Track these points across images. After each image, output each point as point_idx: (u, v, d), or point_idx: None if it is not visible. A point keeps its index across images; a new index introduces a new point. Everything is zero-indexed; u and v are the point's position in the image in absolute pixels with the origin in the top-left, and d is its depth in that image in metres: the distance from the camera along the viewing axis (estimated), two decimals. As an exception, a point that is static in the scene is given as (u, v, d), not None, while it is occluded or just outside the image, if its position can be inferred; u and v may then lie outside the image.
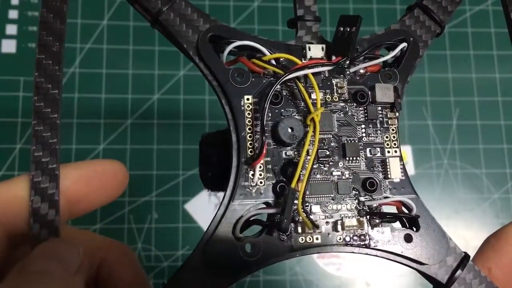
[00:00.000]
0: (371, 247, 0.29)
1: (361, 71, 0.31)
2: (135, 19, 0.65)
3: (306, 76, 0.29)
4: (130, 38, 0.65)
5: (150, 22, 0.29)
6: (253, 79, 0.29)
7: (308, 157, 0.28)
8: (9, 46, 0.64)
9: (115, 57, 0.64)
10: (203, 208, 0.61)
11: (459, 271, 0.28)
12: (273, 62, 0.29)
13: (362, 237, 0.29)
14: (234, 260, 0.27)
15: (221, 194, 0.29)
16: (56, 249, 0.24)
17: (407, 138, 0.65)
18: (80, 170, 0.27)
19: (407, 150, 0.65)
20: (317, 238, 0.28)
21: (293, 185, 0.27)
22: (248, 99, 0.29)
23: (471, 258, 0.29)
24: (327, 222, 0.29)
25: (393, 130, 0.30)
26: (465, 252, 0.29)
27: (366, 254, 0.28)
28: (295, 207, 0.27)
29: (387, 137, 0.30)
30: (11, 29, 0.64)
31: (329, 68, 0.29)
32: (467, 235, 0.63)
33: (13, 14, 0.65)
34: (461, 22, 0.69)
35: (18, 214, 0.24)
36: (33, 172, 0.25)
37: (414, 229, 0.29)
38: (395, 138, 0.30)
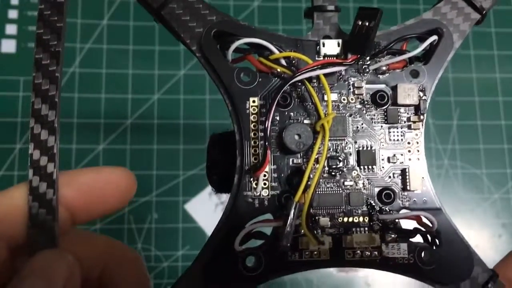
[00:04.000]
0: (384, 265, 0.26)
1: (383, 68, 0.27)
2: (135, 19, 0.65)
3: (318, 76, 0.26)
4: (130, 38, 0.64)
5: (153, 16, 0.27)
6: (260, 80, 0.26)
7: (317, 165, 0.25)
8: (9, 46, 0.63)
9: (115, 57, 0.64)
10: (203, 208, 0.61)
11: None
12: (283, 61, 0.27)
13: (375, 253, 0.26)
14: (234, 274, 0.25)
15: (223, 195, 0.29)
16: (44, 263, 0.23)
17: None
18: (81, 178, 0.25)
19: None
20: (324, 254, 0.26)
21: (296, 198, 0.24)
22: (254, 101, 0.26)
23: (493, 267, 0.26)
24: (335, 236, 0.26)
25: (416, 135, 0.27)
26: (492, 270, 0.26)
27: (380, 270, 0.26)
28: (299, 221, 0.24)
29: (409, 143, 0.27)
30: (11, 29, 0.64)
31: (343, 68, 0.26)
32: (468, 235, 0.63)
33: (12, 14, 0.64)
34: (461, 22, 0.69)
35: (17, 223, 0.24)
36: (31, 177, 0.23)
37: (436, 245, 0.26)
38: (419, 145, 0.27)
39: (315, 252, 0.26)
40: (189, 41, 0.26)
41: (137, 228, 0.60)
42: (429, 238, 0.27)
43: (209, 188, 0.60)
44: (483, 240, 0.62)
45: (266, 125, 0.25)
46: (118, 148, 0.61)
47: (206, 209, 0.61)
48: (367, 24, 0.25)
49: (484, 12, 0.28)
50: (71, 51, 0.63)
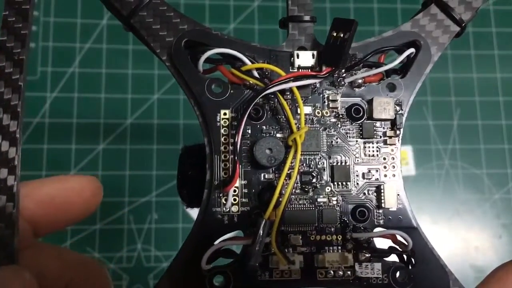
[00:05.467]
0: (358, 285, 0.25)
1: (359, 81, 0.26)
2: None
3: (291, 89, 0.25)
4: (130, 38, 0.64)
5: (122, 24, 0.26)
6: (232, 91, 0.25)
7: (289, 181, 0.24)
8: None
9: (115, 57, 0.64)
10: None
11: None
12: (255, 72, 0.26)
13: (348, 273, 0.25)
14: None
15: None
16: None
17: (408, 138, 0.65)
18: (43, 189, 0.24)
19: (407, 150, 0.65)
20: (295, 273, 0.25)
21: (266, 216, 0.23)
22: (225, 114, 0.26)
23: None
24: (308, 255, 0.25)
25: (392, 151, 0.26)
26: None
27: None
28: (269, 239, 0.23)
29: (384, 159, 0.26)
30: None
31: (317, 80, 0.26)
32: (468, 236, 0.63)
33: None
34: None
35: None
36: None
37: (411, 264, 0.26)
38: (394, 160, 0.26)
39: (286, 272, 0.25)
40: (159, 50, 0.26)
41: (137, 228, 0.60)
42: (404, 257, 0.26)
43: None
44: (483, 241, 0.62)
45: (236, 139, 0.24)
46: (117, 148, 0.61)
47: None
48: (342, 35, 0.24)
49: (463, 24, 0.27)
50: (71, 51, 0.63)
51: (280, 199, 0.24)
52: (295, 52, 0.26)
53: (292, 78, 0.25)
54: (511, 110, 0.66)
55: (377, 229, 0.26)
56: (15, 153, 0.23)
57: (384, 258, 0.26)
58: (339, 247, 0.26)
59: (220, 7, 0.66)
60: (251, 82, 0.26)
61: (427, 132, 0.65)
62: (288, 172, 0.25)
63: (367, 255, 0.25)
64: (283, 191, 0.24)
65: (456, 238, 0.63)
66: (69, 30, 0.63)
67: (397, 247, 0.26)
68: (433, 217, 0.62)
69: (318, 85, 0.26)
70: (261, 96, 0.25)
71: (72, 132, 0.61)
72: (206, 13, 0.65)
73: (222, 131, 0.25)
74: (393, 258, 0.26)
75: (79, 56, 0.63)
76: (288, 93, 0.26)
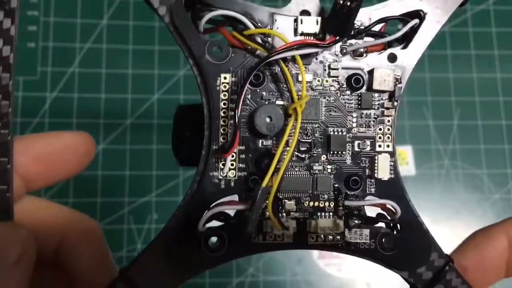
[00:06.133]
0: (346, 249, 0.26)
1: (361, 50, 0.26)
2: (135, 19, 0.65)
3: (294, 56, 0.25)
4: (129, 38, 0.64)
5: None
6: (232, 55, 0.25)
7: (288, 148, 0.25)
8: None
9: (115, 57, 0.64)
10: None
11: (439, 277, 0.26)
12: (257, 37, 0.25)
13: (337, 238, 0.26)
14: (196, 254, 0.25)
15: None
16: None
17: (408, 138, 0.65)
18: (38, 144, 0.24)
19: (408, 150, 0.65)
20: (288, 237, 0.26)
21: (264, 183, 0.24)
22: (225, 78, 0.25)
23: (450, 253, 0.27)
24: (301, 220, 0.26)
25: (388, 122, 0.27)
26: (448, 256, 0.27)
27: (342, 253, 0.26)
28: (265, 204, 0.24)
29: (380, 130, 0.27)
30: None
31: (320, 50, 0.25)
32: (468, 236, 0.63)
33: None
34: (462, 21, 0.69)
35: None
36: None
37: (397, 231, 0.27)
38: (390, 132, 0.27)
39: (279, 236, 0.26)
40: (157, 6, 0.25)
41: (137, 228, 0.60)
42: (391, 224, 0.27)
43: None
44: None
45: (237, 111, 0.24)
46: (118, 148, 0.61)
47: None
48: (348, 3, 0.24)
49: None
50: (71, 51, 0.63)
51: (278, 166, 0.24)
52: (299, 17, 0.26)
53: (295, 46, 0.25)
54: (511, 110, 0.66)
55: (368, 198, 0.27)
56: (8, 108, 0.22)
57: (373, 225, 0.26)
58: (331, 214, 0.26)
59: None
60: (253, 46, 0.25)
61: (427, 132, 0.65)
62: (286, 139, 0.25)
63: (357, 221, 0.26)
64: (281, 159, 0.25)
65: (456, 238, 0.63)
66: (69, 30, 0.63)
67: (386, 214, 0.27)
68: (433, 217, 0.62)
69: (320, 52, 0.26)
70: (263, 64, 0.24)
71: (72, 132, 0.61)
72: None
73: (221, 95, 0.25)
74: (381, 225, 0.27)
75: (79, 56, 0.63)
76: (290, 59, 0.26)
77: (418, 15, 0.27)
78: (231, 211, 0.26)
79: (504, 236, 0.27)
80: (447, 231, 0.63)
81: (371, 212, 0.27)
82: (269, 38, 0.26)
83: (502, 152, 0.65)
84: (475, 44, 0.68)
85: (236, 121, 0.24)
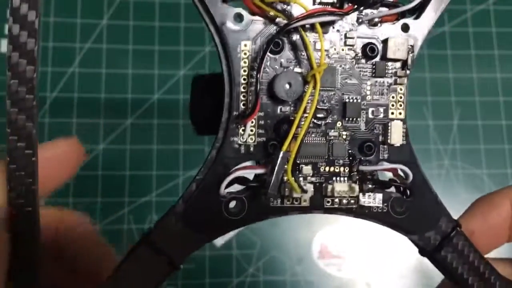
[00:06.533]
0: (360, 213, 0.27)
1: (376, 20, 0.27)
2: (135, 19, 0.65)
3: (312, 24, 0.26)
4: (129, 38, 0.64)
5: None
6: (253, 23, 0.26)
7: (306, 115, 0.25)
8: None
9: (115, 57, 0.64)
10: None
11: (447, 240, 0.27)
12: (278, 5, 0.26)
13: (352, 202, 0.27)
14: (216, 217, 0.26)
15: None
16: None
17: (408, 138, 0.65)
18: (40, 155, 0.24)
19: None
20: (305, 201, 0.27)
21: (284, 148, 0.25)
22: (245, 45, 0.26)
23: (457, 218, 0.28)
24: (317, 184, 0.27)
25: (401, 90, 0.28)
26: (456, 220, 0.28)
27: (355, 217, 0.27)
28: (284, 169, 0.25)
29: (393, 97, 0.28)
30: None
31: (338, 18, 0.26)
32: (468, 236, 0.63)
33: (12, 13, 0.65)
34: (462, 21, 0.69)
35: None
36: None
37: (408, 196, 0.28)
38: (402, 99, 0.28)
39: (296, 199, 0.27)
40: None
41: (137, 228, 0.60)
42: (403, 189, 0.28)
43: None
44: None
45: (258, 75, 0.25)
46: (117, 148, 0.61)
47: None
48: None
49: None
50: (71, 51, 0.63)
51: (296, 132, 0.25)
52: None
53: (315, 14, 0.26)
54: (511, 110, 0.66)
55: (381, 163, 0.28)
56: (33, 102, 0.21)
57: (386, 190, 0.28)
58: (346, 178, 0.27)
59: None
60: (273, 14, 0.26)
61: (427, 132, 0.65)
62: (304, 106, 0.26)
63: (370, 186, 0.27)
64: (300, 126, 0.25)
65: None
66: (69, 30, 0.63)
67: (397, 180, 0.28)
68: (433, 217, 0.62)
69: (336, 22, 0.27)
70: (283, 31, 0.25)
71: (72, 132, 0.61)
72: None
73: (241, 62, 0.26)
74: (393, 190, 0.28)
75: (79, 56, 0.63)
76: (308, 27, 0.27)
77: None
78: (250, 176, 0.27)
79: (507, 202, 0.28)
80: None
81: (384, 178, 0.29)
82: (288, 7, 0.26)
83: (502, 152, 0.66)
84: (475, 44, 0.68)
85: (258, 87, 0.25)
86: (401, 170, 0.28)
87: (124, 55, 0.64)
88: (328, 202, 0.27)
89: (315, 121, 0.27)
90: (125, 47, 0.64)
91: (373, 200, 0.27)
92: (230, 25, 0.26)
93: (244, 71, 0.26)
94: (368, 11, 0.27)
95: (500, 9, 0.68)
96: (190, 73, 0.64)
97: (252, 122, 0.26)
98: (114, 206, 0.60)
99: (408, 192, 0.28)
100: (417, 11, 0.28)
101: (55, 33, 0.63)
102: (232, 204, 0.26)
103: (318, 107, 0.27)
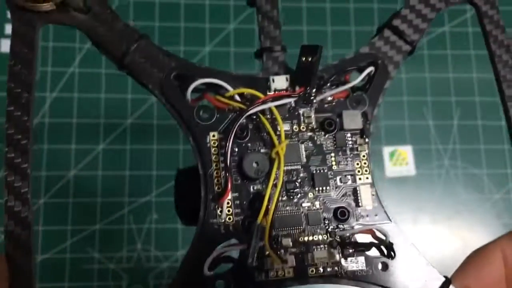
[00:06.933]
0: (344, 277, 0.28)
1: (329, 98, 0.30)
2: (135, 19, 0.65)
3: (270, 109, 0.29)
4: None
5: (116, 65, 0.29)
6: (218, 115, 0.29)
7: (276, 190, 0.27)
8: (9, 46, 0.64)
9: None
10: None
11: None
12: (237, 97, 0.29)
13: (335, 268, 0.28)
14: None
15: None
16: None
17: (408, 138, 0.65)
18: None
19: (407, 150, 0.65)
20: (288, 272, 0.28)
21: (259, 220, 0.26)
22: (214, 136, 0.29)
23: (450, 275, 0.28)
24: (298, 255, 0.28)
25: (363, 156, 0.30)
26: (445, 277, 0.28)
27: (343, 283, 0.28)
28: (262, 242, 0.26)
29: (357, 164, 0.30)
30: (11, 29, 0.64)
31: (292, 100, 0.29)
32: (468, 236, 0.63)
33: (12, 13, 0.65)
34: (462, 21, 0.69)
35: None
36: None
37: (391, 256, 0.29)
38: (366, 165, 0.30)
39: (280, 271, 0.28)
40: (151, 85, 0.29)
41: (137, 228, 0.60)
42: (384, 250, 0.29)
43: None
44: (483, 241, 0.62)
45: (226, 156, 0.28)
46: (117, 148, 0.61)
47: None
48: (310, 59, 0.28)
49: (414, 44, 0.31)
50: (71, 51, 0.63)
51: (269, 206, 0.27)
52: (271, 77, 0.30)
53: (270, 99, 0.28)
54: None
55: (357, 227, 0.29)
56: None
57: (367, 252, 0.29)
58: (325, 245, 0.29)
59: (220, 7, 0.66)
60: (234, 105, 0.29)
61: (427, 132, 0.65)
62: (274, 182, 0.28)
63: (350, 250, 0.28)
64: (271, 199, 0.27)
65: (456, 238, 0.63)
66: (69, 30, 0.63)
67: (376, 241, 0.29)
68: (433, 217, 0.63)
69: (293, 104, 0.30)
70: (244, 116, 0.28)
71: (72, 132, 0.61)
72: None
73: (212, 151, 0.29)
74: (375, 252, 0.29)
75: (79, 56, 0.63)
76: (268, 113, 0.29)
77: (374, 63, 0.30)
78: (235, 254, 0.28)
79: (498, 254, 0.28)
80: (447, 231, 0.63)
81: (364, 240, 0.29)
82: (248, 97, 0.29)
83: (502, 152, 0.66)
84: (475, 44, 0.68)
85: (226, 170, 0.28)
86: (378, 230, 0.29)
87: (124, 55, 0.64)
88: (312, 271, 0.28)
89: (287, 194, 0.29)
90: (125, 47, 0.64)
91: (356, 264, 0.28)
92: (198, 120, 0.29)
93: (215, 158, 0.28)
94: (322, 91, 0.30)
95: (500, 9, 0.68)
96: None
97: (228, 203, 0.28)
98: (114, 206, 0.60)
99: (391, 252, 0.29)
100: (365, 87, 0.31)
101: (55, 33, 0.63)
102: (219, 283, 0.27)
103: (288, 181, 0.29)
